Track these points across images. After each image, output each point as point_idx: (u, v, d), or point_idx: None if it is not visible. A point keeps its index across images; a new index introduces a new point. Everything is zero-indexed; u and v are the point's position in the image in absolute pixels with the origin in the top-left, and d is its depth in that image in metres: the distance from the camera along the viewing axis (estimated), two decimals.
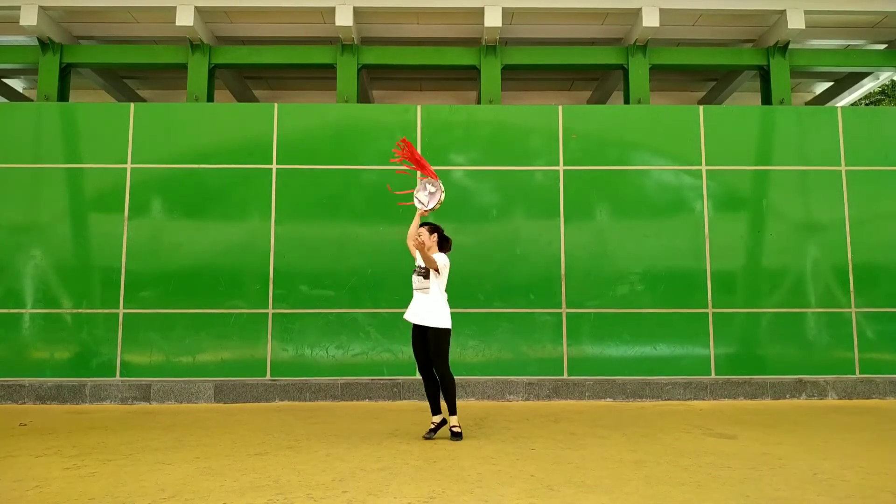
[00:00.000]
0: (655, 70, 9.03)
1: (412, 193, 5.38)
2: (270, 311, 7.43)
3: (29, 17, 7.93)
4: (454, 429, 4.98)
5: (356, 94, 8.46)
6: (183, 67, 8.66)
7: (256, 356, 7.36)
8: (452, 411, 5.00)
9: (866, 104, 16.28)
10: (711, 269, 7.64)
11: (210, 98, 8.58)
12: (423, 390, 6.78)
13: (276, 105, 7.83)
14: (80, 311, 7.37)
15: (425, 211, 5.26)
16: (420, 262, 5.03)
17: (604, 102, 10.21)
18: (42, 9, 8.03)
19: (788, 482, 3.79)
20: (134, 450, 4.65)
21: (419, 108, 7.88)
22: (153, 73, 9.96)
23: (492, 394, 7.07)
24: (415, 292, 5.07)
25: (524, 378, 7.24)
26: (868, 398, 7.21)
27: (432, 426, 5.03)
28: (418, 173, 5.53)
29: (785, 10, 8.14)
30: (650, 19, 8.08)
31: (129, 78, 10.19)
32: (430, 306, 4.95)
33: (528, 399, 7.06)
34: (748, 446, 4.79)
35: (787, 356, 7.52)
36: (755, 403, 6.94)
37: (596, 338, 7.50)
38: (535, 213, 7.70)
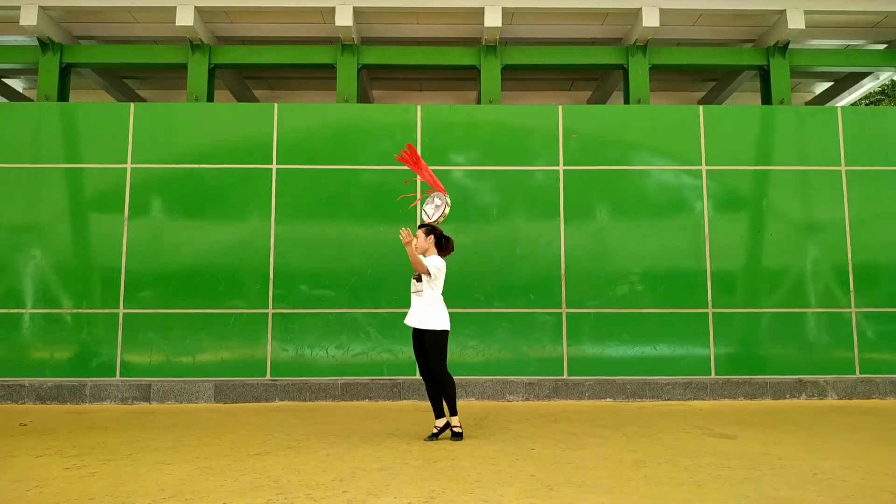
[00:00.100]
0: (655, 70, 9.03)
1: (421, 200, 5.35)
2: (270, 311, 7.43)
3: (29, 17, 7.93)
4: (455, 429, 4.98)
5: (356, 94, 8.46)
6: (183, 67, 8.66)
7: (256, 356, 7.36)
8: (453, 412, 5.00)
9: (866, 104, 16.28)
10: (711, 269, 7.64)
11: (210, 98, 8.58)
12: (423, 390, 6.79)
13: (276, 105, 7.83)
14: (80, 311, 7.37)
15: (430, 223, 5.23)
16: None
17: (604, 102, 10.21)
18: (42, 9, 8.03)
19: (788, 482, 3.79)
20: (134, 450, 4.65)
21: (419, 108, 7.88)
22: (153, 73, 9.96)
23: (492, 394, 7.07)
24: (412, 296, 5.08)
25: (524, 378, 7.24)
26: (868, 398, 7.21)
27: (435, 430, 5.02)
28: (419, 180, 5.48)
29: (785, 10, 8.14)
30: (650, 19, 8.08)
31: (129, 78, 10.19)
32: (424, 309, 4.96)
33: (528, 399, 7.06)
34: (748, 446, 4.79)
35: (787, 356, 7.52)
36: (755, 403, 6.94)
37: (596, 338, 7.50)
38: (535, 213, 7.70)
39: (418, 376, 6.95)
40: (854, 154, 7.86)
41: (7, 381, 7.01)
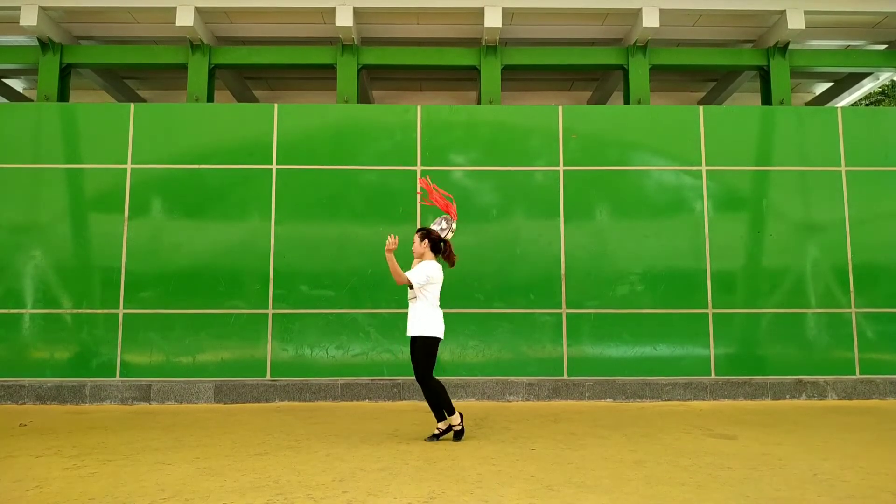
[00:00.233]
0: (655, 70, 9.03)
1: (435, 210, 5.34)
2: (270, 311, 7.43)
3: (29, 18, 7.93)
4: (455, 428, 4.97)
5: (356, 94, 8.46)
6: (183, 67, 8.66)
7: (256, 356, 7.36)
8: (450, 412, 4.97)
9: (866, 104, 16.28)
10: (711, 270, 7.64)
11: (210, 98, 8.58)
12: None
13: (276, 105, 7.83)
14: (80, 311, 7.37)
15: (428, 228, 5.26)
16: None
17: (604, 103, 10.21)
18: (42, 9, 8.03)
19: (788, 482, 3.79)
20: (134, 450, 4.65)
21: (419, 108, 7.89)
22: (153, 73, 9.96)
23: (492, 394, 7.07)
24: (409, 302, 5.09)
25: (524, 378, 7.24)
26: (868, 398, 7.21)
27: (437, 431, 5.01)
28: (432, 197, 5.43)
29: (785, 11, 8.14)
30: (650, 20, 8.08)
31: (129, 78, 10.19)
32: (416, 315, 4.96)
33: (528, 399, 7.06)
34: (748, 446, 4.79)
35: (787, 356, 7.52)
36: (755, 404, 6.94)
37: (596, 338, 7.50)
38: (535, 213, 7.70)
39: None
40: (854, 154, 7.86)
41: (7, 381, 7.01)
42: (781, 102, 8.53)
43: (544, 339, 7.48)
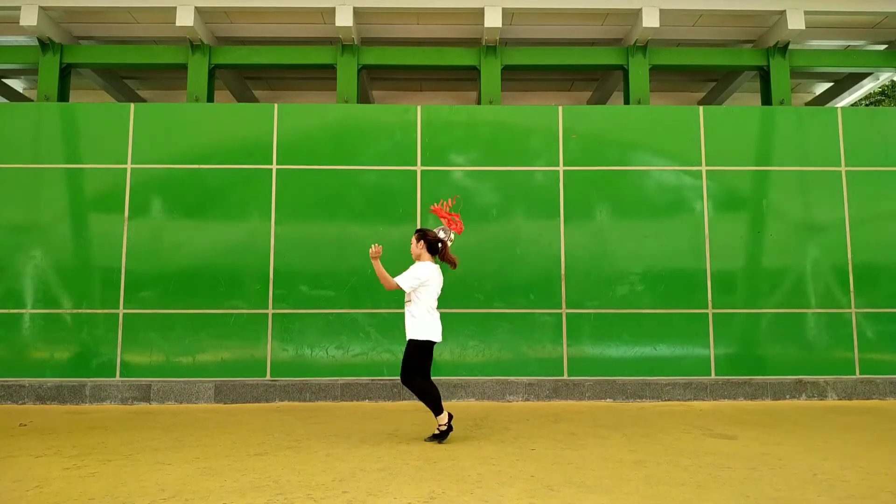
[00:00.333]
0: (655, 70, 9.03)
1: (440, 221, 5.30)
2: (270, 311, 7.43)
3: (29, 18, 7.93)
4: (439, 428, 4.90)
5: (356, 94, 8.46)
6: (183, 67, 8.67)
7: (256, 356, 7.36)
8: (434, 413, 4.90)
9: (866, 105, 16.28)
10: (711, 270, 7.64)
11: (210, 98, 8.58)
12: None
13: (276, 105, 7.83)
14: (80, 311, 7.37)
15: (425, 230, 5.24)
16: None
17: (604, 103, 10.21)
18: (42, 9, 8.03)
19: (788, 482, 3.79)
20: (134, 450, 4.65)
21: (419, 108, 7.89)
22: (153, 73, 9.96)
23: (492, 394, 7.07)
24: (405, 304, 5.11)
25: (524, 378, 7.24)
26: (868, 398, 7.21)
27: (437, 431, 5.00)
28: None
29: (785, 11, 8.15)
30: (650, 20, 8.08)
31: (129, 78, 10.19)
32: (408, 317, 4.97)
33: (528, 399, 7.06)
34: (748, 446, 4.79)
35: (787, 356, 7.52)
36: (755, 404, 6.94)
37: (596, 338, 7.50)
38: (535, 213, 7.70)
39: None
40: (854, 154, 7.86)
41: (7, 381, 7.01)
42: (781, 102, 8.53)
43: (544, 339, 7.48)
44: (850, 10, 8.19)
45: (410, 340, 4.91)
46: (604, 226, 7.71)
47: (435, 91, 10.62)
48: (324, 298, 7.47)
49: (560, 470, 4.06)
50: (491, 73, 8.54)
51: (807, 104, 10.81)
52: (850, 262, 7.69)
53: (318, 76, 9.78)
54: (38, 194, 7.56)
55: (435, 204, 5.27)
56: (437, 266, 5.08)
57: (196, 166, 7.66)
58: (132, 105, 7.78)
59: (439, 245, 5.07)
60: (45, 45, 8.44)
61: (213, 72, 8.71)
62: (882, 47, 9.09)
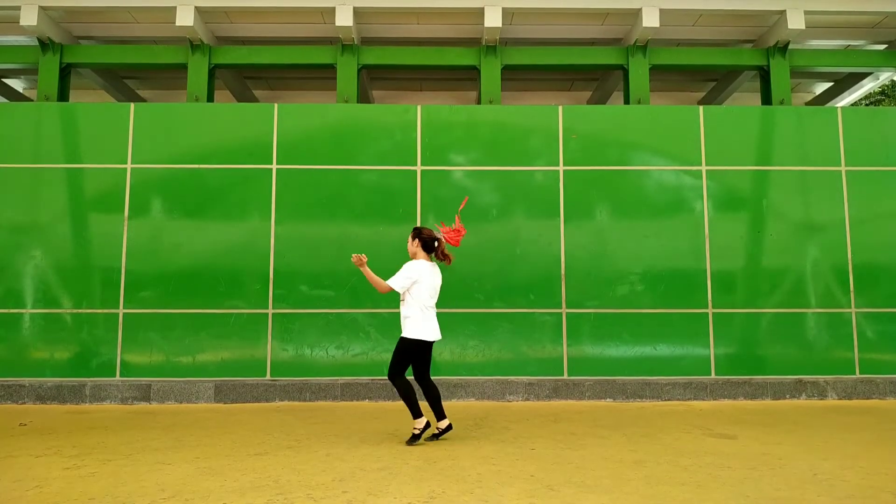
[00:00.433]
0: (655, 70, 9.03)
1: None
2: (270, 311, 7.44)
3: (29, 17, 7.93)
4: (414, 431, 4.86)
5: (356, 94, 8.46)
6: (183, 67, 8.66)
7: (256, 356, 7.36)
8: (413, 414, 4.88)
9: (866, 104, 16.28)
10: (711, 269, 7.64)
11: (210, 98, 8.58)
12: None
13: (276, 105, 7.83)
14: (80, 311, 7.37)
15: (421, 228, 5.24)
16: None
17: (604, 102, 10.21)
18: (42, 9, 8.03)
19: (788, 482, 3.80)
20: (134, 450, 4.65)
21: (419, 108, 7.89)
22: (153, 73, 9.96)
23: (492, 394, 7.07)
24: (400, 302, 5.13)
25: (524, 378, 7.24)
26: (868, 398, 7.21)
27: (437, 430, 5.00)
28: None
29: (785, 11, 8.14)
30: (650, 19, 8.08)
31: (129, 78, 10.19)
32: (402, 315, 5.01)
33: (528, 399, 7.06)
34: (748, 446, 4.79)
35: (786, 356, 7.53)
36: (755, 403, 6.94)
37: (596, 338, 7.50)
38: (535, 213, 7.70)
39: None
40: (854, 154, 7.86)
41: (7, 381, 7.01)
42: (781, 102, 8.53)
43: (544, 338, 7.49)
44: (850, 10, 8.19)
45: (401, 338, 4.94)
46: (604, 226, 7.71)
47: (435, 91, 10.62)
48: (324, 298, 7.47)
49: (560, 470, 4.06)
50: (491, 73, 8.54)
51: (807, 104, 10.81)
52: (850, 262, 7.69)
53: (318, 76, 9.78)
54: (38, 194, 7.56)
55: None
56: (434, 264, 5.09)
57: (196, 166, 7.66)
58: (132, 105, 7.79)
59: (434, 243, 5.06)
60: (45, 44, 8.44)
61: (213, 72, 8.71)
62: (882, 47, 9.09)
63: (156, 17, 8.37)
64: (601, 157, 7.83)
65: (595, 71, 9.75)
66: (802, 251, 7.70)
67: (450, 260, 5.13)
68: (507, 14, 8.26)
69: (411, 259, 5.10)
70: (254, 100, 10.60)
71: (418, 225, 7.39)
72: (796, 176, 7.84)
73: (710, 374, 7.46)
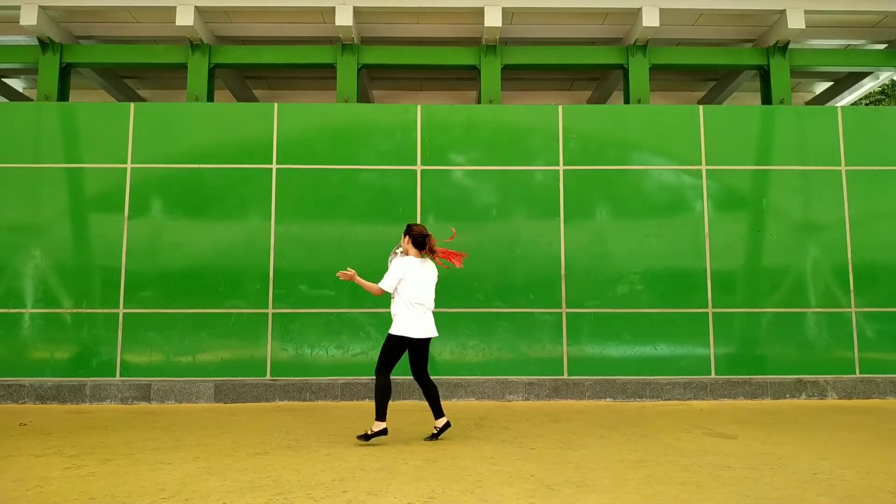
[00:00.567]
0: (655, 70, 9.02)
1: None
2: (270, 310, 7.43)
3: (29, 17, 7.93)
4: (368, 431, 4.82)
5: (356, 94, 8.46)
6: (183, 67, 8.66)
7: (256, 356, 7.36)
8: (378, 417, 4.82)
9: (866, 104, 16.28)
10: (711, 269, 7.64)
11: (210, 98, 8.58)
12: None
13: (276, 105, 7.83)
14: (80, 310, 7.37)
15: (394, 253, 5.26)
16: None
17: (604, 102, 10.21)
18: (42, 9, 8.03)
19: (788, 482, 3.79)
20: (134, 450, 4.65)
21: (419, 108, 7.89)
22: (153, 73, 9.96)
23: (492, 394, 7.07)
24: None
25: (524, 378, 7.24)
26: (868, 398, 7.21)
27: (435, 430, 5.01)
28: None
29: (785, 10, 8.14)
30: (650, 19, 8.07)
31: (129, 78, 10.19)
32: (392, 312, 5.06)
33: (528, 399, 7.06)
34: (748, 446, 4.79)
35: (786, 356, 7.53)
36: (755, 403, 6.94)
37: (596, 338, 7.50)
38: (535, 213, 7.70)
39: None
40: (854, 154, 7.86)
41: (7, 381, 7.01)
42: (781, 102, 8.52)
43: (544, 338, 7.49)
44: (850, 10, 8.18)
45: (388, 335, 4.99)
46: (604, 225, 7.71)
47: (435, 90, 10.61)
48: (324, 298, 7.47)
49: (560, 469, 4.06)
50: (491, 73, 8.54)
51: (807, 103, 10.80)
52: (850, 262, 7.69)
53: (318, 76, 9.77)
54: (38, 194, 7.56)
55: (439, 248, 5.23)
56: (426, 261, 5.09)
57: (196, 166, 7.66)
58: (132, 105, 7.79)
59: (424, 239, 5.07)
60: (45, 44, 8.43)
61: (213, 71, 8.70)
62: (882, 46, 9.09)
63: (156, 16, 8.37)
64: (601, 156, 7.83)
65: (595, 70, 9.75)
66: (802, 251, 7.70)
67: (437, 254, 5.12)
68: (507, 14, 8.25)
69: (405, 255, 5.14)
70: (254, 99, 10.59)
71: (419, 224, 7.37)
72: (796, 176, 7.84)
73: (710, 374, 7.46)
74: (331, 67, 8.71)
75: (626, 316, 7.54)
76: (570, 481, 3.79)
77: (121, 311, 7.38)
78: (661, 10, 8.14)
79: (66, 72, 8.68)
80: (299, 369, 7.34)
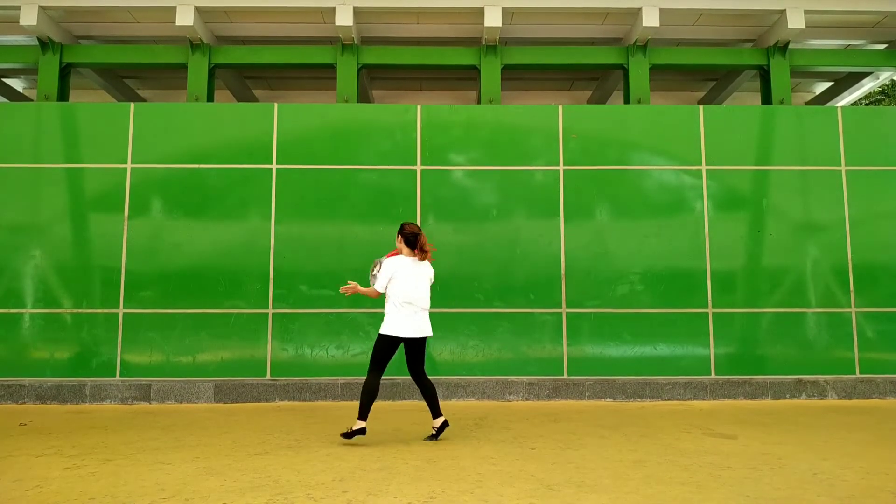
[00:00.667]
0: (655, 70, 9.02)
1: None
2: (270, 310, 7.43)
3: (29, 17, 7.93)
4: (348, 430, 4.86)
5: (356, 94, 8.46)
6: (183, 67, 8.66)
7: (256, 356, 7.36)
8: (360, 417, 4.82)
9: (866, 104, 16.28)
10: (711, 269, 7.64)
11: (210, 98, 8.58)
12: None
13: (276, 105, 7.83)
14: (80, 310, 7.37)
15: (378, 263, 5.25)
16: None
17: (604, 102, 10.21)
18: (42, 9, 8.03)
19: (788, 482, 3.79)
20: (134, 450, 4.65)
21: (419, 108, 7.89)
22: (153, 73, 9.96)
23: (492, 394, 7.07)
24: None
25: (524, 378, 7.24)
26: (868, 398, 7.21)
27: (434, 430, 5.01)
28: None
29: (785, 10, 8.14)
30: (650, 19, 8.07)
31: (129, 78, 10.19)
32: (385, 312, 5.10)
33: (528, 399, 7.06)
34: (748, 446, 4.79)
35: (786, 356, 7.52)
36: (755, 403, 6.94)
37: (596, 338, 7.50)
38: (535, 213, 7.70)
39: None
40: (854, 154, 7.86)
41: (7, 381, 7.01)
42: (781, 102, 8.52)
43: (544, 338, 7.49)
44: (850, 10, 8.18)
45: (378, 334, 5.03)
46: (604, 225, 7.71)
47: (435, 90, 10.62)
48: (324, 298, 7.47)
49: (560, 470, 4.06)
50: (491, 73, 8.54)
51: (807, 103, 10.80)
52: (849, 262, 7.69)
53: (318, 76, 9.77)
54: (38, 194, 7.56)
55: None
56: (420, 260, 5.09)
57: (196, 166, 7.66)
58: (132, 105, 7.79)
59: (415, 238, 5.08)
60: (45, 44, 8.43)
61: (212, 71, 8.70)
62: (882, 46, 9.09)
63: (156, 16, 8.37)
64: (601, 156, 7.83)
65: (595, 70, 9.75)
66: (802, 251, 7.70)
67: (426, 252, 5.11)
68: (507, 14, 8.25)
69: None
70: (254, 99, 10.59)
71: (417, 224, 7.38)
72: (796, 176, 7.84)
73: (710, 374, 7.46)
74: (331, 67, 8.71)
75: (626, 316, 7.54)
76: (570, 481, 3.79)
77: (121, 311, 7.38)
78: (661, 10, 8.14)
79: (66, 72, 8.68)
80: (299, 369, 7.34)
